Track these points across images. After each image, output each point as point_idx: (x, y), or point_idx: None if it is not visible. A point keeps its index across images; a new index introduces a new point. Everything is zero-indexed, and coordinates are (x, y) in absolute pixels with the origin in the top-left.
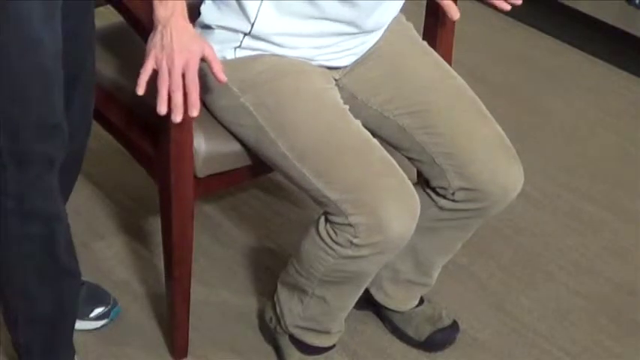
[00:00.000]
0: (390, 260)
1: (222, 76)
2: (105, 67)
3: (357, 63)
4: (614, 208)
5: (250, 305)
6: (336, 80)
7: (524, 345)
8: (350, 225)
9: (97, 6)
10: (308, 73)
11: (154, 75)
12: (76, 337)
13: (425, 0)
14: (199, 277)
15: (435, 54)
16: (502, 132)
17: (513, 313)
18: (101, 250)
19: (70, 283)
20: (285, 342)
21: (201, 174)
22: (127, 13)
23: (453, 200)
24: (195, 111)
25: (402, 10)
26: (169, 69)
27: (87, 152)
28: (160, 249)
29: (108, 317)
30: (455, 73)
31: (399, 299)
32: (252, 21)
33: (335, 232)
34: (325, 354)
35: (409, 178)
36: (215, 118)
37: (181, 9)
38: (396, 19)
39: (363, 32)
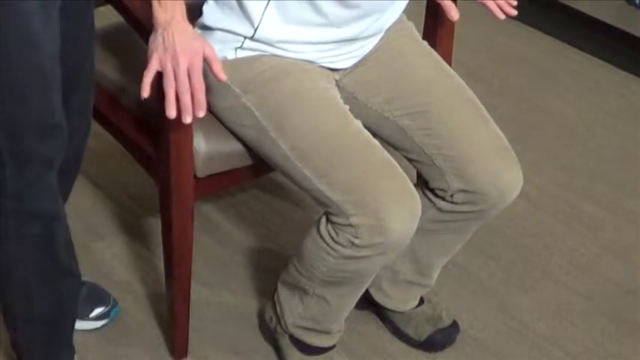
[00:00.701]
0: (390, 261)
1: (223, 76)
2: (105, 67)
3: (357, 63)
4: (614, 208)
5: (250, 305)
6: (336, 80)
7: (524, 345)
8: (351, 226)
9: (97, 6)
10: (309, 72)
11: (155, 77)
12: (76, 337)
13: (425, 0)
14: (199, 277)
15: (435, 54)
16: (501, 134)
17: (513, 313)
18: (101, 250)
19: (70, 283)
20: (285, 342)
21: (201, 174)
22: (127, 13)
23: (452, 202)
24: (202, 112)
25: (404, 10)
26: (174, 70)
27: (87, 152)
28: (160, 249)
29: (108, 317)
30: (455, 74)
31: (398, 300)
32: (255, 26)
33: (336, 233)
34: (325, 354)
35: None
36: (216, 118)
37: (181, 11)
38: (397, 19)
39: (366, 37)
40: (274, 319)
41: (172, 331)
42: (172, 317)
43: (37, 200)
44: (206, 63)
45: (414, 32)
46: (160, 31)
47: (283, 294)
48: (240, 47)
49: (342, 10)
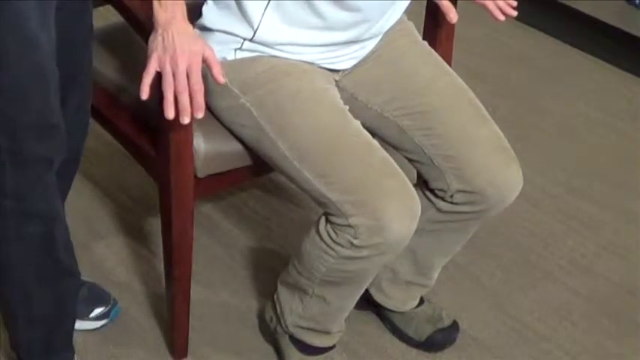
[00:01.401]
0: (390, 261)
1: (221, 78)
2: (105, 67)
3: (357, 64)
4: (614, 208)
5: (250, 305)
6: (336, 81)
7: (524, 345)
8: (350, 226)
9: (97, 6)
10: (308, 73)
11: (155, 77)
12: (76, 337)
13: (425, 0)
14: (199, 277)
15: (435, 54)
16: (501, 134)
17: (513, 313)
18: (101, 250)
19: (70, 283)
20: (285, 342)
21: (201, 174)
22: (127, 13)
23: (452, 202)
24: (200, 113)
25: (405, 11)
26: (173, 71)
27: (87, 152)
28: (160, 249)
29: (108, 317)
30: (455, 74)
31: (398, 300)
32: (254, 28)
33: (335, 233)
34: (325, 354)
35: (409, 180)
36: (216, 118)
37: (182, 12)
38: (397, 19)
39: (365, 39)
40: (274, 319)
41: (172, 331)
42: (172, 317)
43: (36, 200)
44: (205, 65)
45: (414, 32)
46: (159, 31)
47: (283, 294)
48: (240, 48)
49: (342, 13)
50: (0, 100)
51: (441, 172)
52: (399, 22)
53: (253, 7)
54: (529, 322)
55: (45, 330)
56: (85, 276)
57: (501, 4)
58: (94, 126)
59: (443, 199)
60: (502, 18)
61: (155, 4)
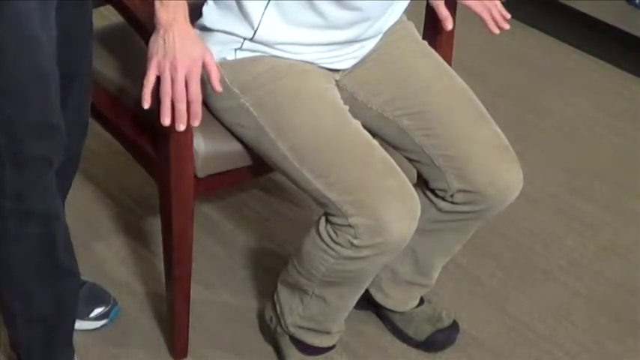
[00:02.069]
0: (390, 261)
1: (218, 86)
2: (105, 67)
3: (357, 64)
4: (614, 208)
5: (250, 305)
6: (336, 81)
7: (524, 345)
8: (350, 226)
9: (97, 6)
10: (308, 73)
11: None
12: (76, 337)
13: (425, 0)
14: (199, 277)
15: (435, 54)
16: (501, 133)
17: (513, 313)
18: (101, 250)
19: (70, 282)
20: (285, 342)
21: (201, 174)
22: (127, 13)
23: (452, 202)
24: (197, 121)
25: (404, 10)
26: (172, 78)
27: (87, 152)
28: (160, 249)
29: (108, 317)
30: (455, 74)
31: (398, 300)
32: (254, 27)
33: (335, 233)
34: (325, 354)
35: (409, 180)
36: (216, 118)
37: (183, 12)
38: (397, 19)
39: (365, 39)
40: (274, 319)
41: (172, 331)
42: (172, 317)
43: (36, 200)
44: (204, 70)
45: (414, 32)
46: (161, 32)
47: (283, 294)
48: (240, 48)
49: (342, 11)
50: (0, 99)
51: (442, 172)
52: (398, 22)
53: (253, 7)
54: (529, 322)
55: (45, 330)
56: (85, 276)
57: (497, 17)
58: (94, 126)
59: (443, 198)
60: (497, 31)
61: (157, 3)
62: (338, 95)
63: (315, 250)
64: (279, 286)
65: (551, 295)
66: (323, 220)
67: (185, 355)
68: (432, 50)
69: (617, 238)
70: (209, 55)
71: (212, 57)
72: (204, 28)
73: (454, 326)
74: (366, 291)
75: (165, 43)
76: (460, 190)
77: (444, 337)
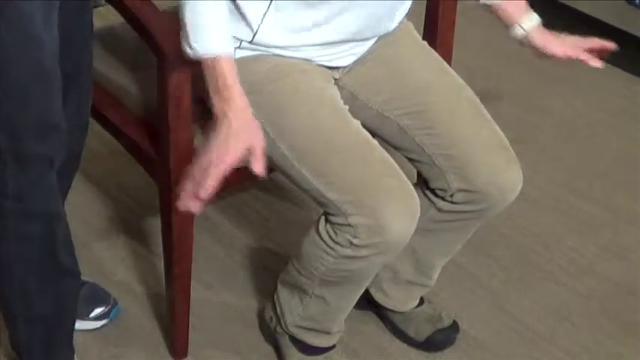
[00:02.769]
0: (390, 261)
1: (261, 171)
2: (105, 67)
3: (357, 63)
4: (614, 208)
5: (250, 305)
6: (336, 80)
7: (524, 345)
8: (350, 225)
9: (97, 6)
10: (308, 72)
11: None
12: (76, 337)
13: (425, 0)
14: (199, 277)
15: (435, 54)
16: (501, 133)
17: (513, 313)
18: (101, 250)
19: (70, 282)
20: (285, 342)
21: None
22: (127, 13)
23: (452, 202)
24: (204, 194)
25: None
26: (214, 163)
27: (87, 152)
28: (160, 249)
29: (108, 317)
30: (455, 74)
31: (398, 300)
32: (254, 30)
33: (335, 233)
34: (325, 354)
35: (409, 179)
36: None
37: (243, 105)
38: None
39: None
40: (274, 319)
41: (172, 331)
42: (172, 317)
43: (37, 200)
44: (248, 152)
45: (414, 32)
46: (220, 114)
47: (283, 294)
48: (239, 47)
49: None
50: (2, 99)
51: (442, 172)
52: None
53: (253, 10)
54: (529, 322)
55: (45, 330)
56: (85, 276)
57: (596, 46)
58: (94, 126)
59: (443, 198)
60: (598, 64)
61: (212, 93)
62: (338, 95)
63: (314, 250)
64: (279, 286)
65: (551, 295)
66: (322, 219)
67: (185, 355)
68: (432, 50)
69: (617, 238)
70: (260, 142)
71: (261, 143)
72: None
73: (454, 326)
74: (366, 291)
75: (222, 128)
76: (460, 190)
77: (443, 337)
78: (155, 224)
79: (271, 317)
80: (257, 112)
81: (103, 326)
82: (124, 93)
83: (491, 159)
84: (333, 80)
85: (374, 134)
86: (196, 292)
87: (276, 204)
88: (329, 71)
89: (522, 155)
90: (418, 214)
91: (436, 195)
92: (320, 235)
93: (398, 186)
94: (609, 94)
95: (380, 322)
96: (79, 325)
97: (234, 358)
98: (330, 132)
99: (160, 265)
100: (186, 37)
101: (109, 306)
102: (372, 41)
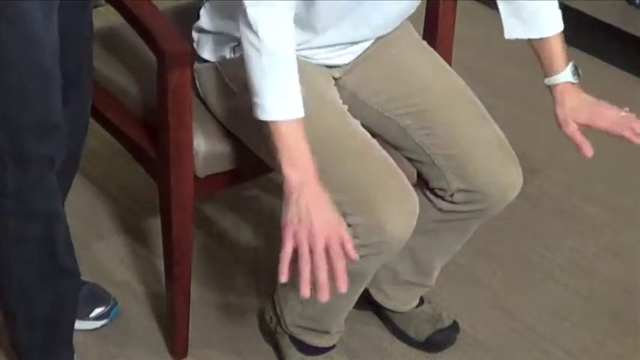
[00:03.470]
0: (390, 261)
1: (354, 255)
2: (105, 67)
3: (357, 62)
4: (614, 208)
5: (250, 305)
6: (336, 79)
7: (524, 345)
8: (349, 225)
9: (97, 6)
10: (307, 72)
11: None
12: (76, 337)
13: (425, 0)
14: (199, 277)
15: (435, 54)
16: (501, 133)
17: (513, 313)
18: (101, 250)
19: (70, 282)
20: (285, 342)
21: (201, 174)
22: (127, 13)
23: (452, 202)
24: (344, 286)
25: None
26: (311, 248)
27: (87, 152)
28: (160, 249)
29: (108, 317)
30: (455, 73)
31: (398, 300)
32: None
33: None
34: (325, 354)
35: (409, 179)
36: (215, 117)
37: (314, 173)
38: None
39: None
40: (274, 319)
41: (172, 331)
42: (172, 317)
43: (37, 200)
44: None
45: (414, 32)
46: (293, 197)
47: (282, 294)
48: (238, 45)
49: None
50: (2, 99)
51: (442, 172)
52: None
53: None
54: (529, 322)
55: (45, 330)
56: (85, 276)
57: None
58: (94, 126)
59: (443, 198)
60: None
61: (285, 165)
62: (337, 95)
63: None
64: (279, 286)
65: (551, 295)
66: None
67: (185, 355)
68: (432, 50)
69: (617, 238)
70: (343, 222)
71: (344, 225)
72: (201, 30)
73: (454, 326)
74: (366, 291)
75: (299, 211)
76: (460, 190)
77: (444, 337)
78: (155, 224)
79: (271, 317)
80: None
81: (103, 326)
82: (124, 93)
83: (491, 159)
84: (332, 80)
85: (374, 134)
86: (196, 292)
87: (276, 204)
88: (328, 70)
89: (522, 155)
90: (417, 214)
91: (436, 195)
92: None
93: (397, 186)
94: (609, 94)
95: (380, 322)
96: (79, 325)
97: (234, 358)
98: (329, 132)
99: (160, 265)
100: None
101: (109, 306)
102: (372, 41)
